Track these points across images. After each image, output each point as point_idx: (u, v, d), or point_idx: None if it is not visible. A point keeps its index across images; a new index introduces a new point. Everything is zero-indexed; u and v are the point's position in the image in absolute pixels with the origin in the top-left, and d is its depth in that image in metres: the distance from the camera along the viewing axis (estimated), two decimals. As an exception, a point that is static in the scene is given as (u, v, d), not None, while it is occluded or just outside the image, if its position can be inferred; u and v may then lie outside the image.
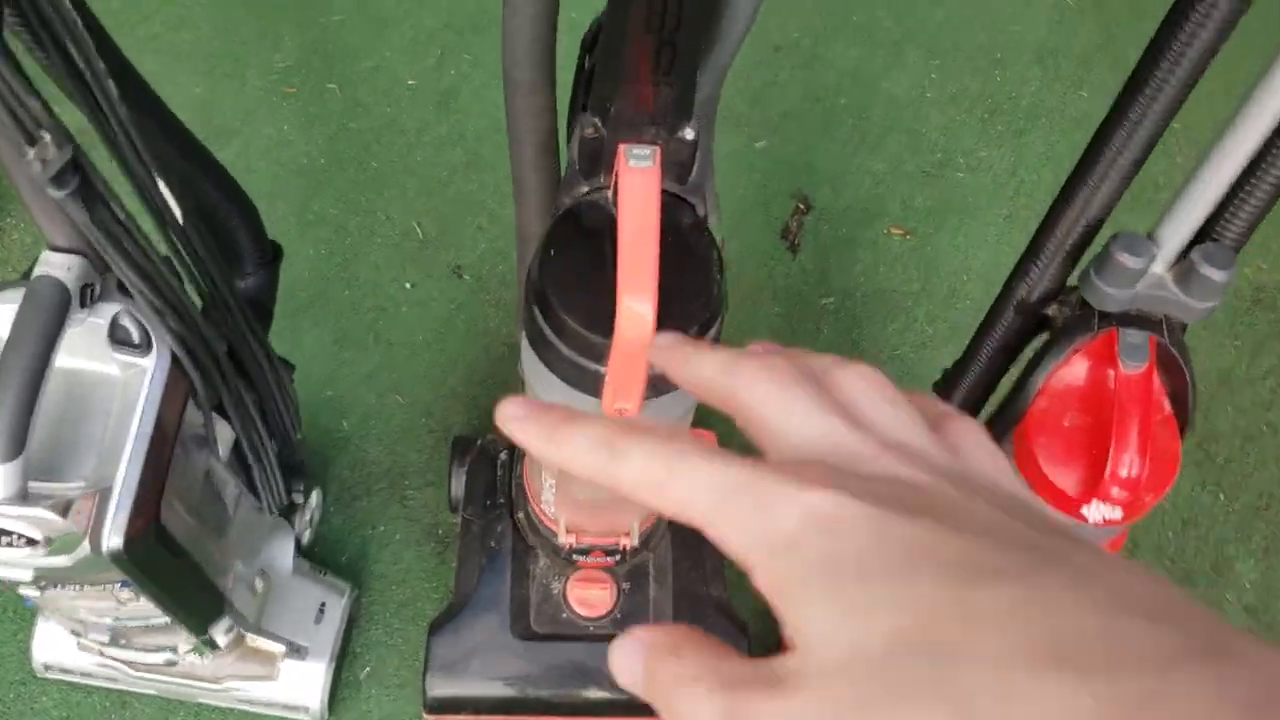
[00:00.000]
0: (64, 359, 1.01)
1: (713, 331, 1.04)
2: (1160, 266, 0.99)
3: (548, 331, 1.02)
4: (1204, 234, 0.97)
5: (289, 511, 1.49)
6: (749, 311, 1.88)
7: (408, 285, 1.85)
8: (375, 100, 2.05)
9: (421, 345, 1.80)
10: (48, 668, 1.45)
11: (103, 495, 0.96)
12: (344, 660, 1.51)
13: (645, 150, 0.97)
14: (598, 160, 1.03)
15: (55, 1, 0.77)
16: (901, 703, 0.23)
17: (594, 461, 0.33)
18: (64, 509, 0.93)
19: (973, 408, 1.24)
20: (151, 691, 1.47)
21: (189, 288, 1.05)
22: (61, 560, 0.97)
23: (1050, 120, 2.15)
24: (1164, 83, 0.88)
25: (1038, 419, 1.05)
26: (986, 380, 1.20)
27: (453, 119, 2.04)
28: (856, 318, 1.90)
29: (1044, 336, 1.10)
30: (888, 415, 0.33)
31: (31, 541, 0.93)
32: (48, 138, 0.77)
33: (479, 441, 1.59)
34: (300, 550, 1.54)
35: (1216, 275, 0.96)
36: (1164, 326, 1.02)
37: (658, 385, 1.04)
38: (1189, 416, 1.06)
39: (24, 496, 0.92)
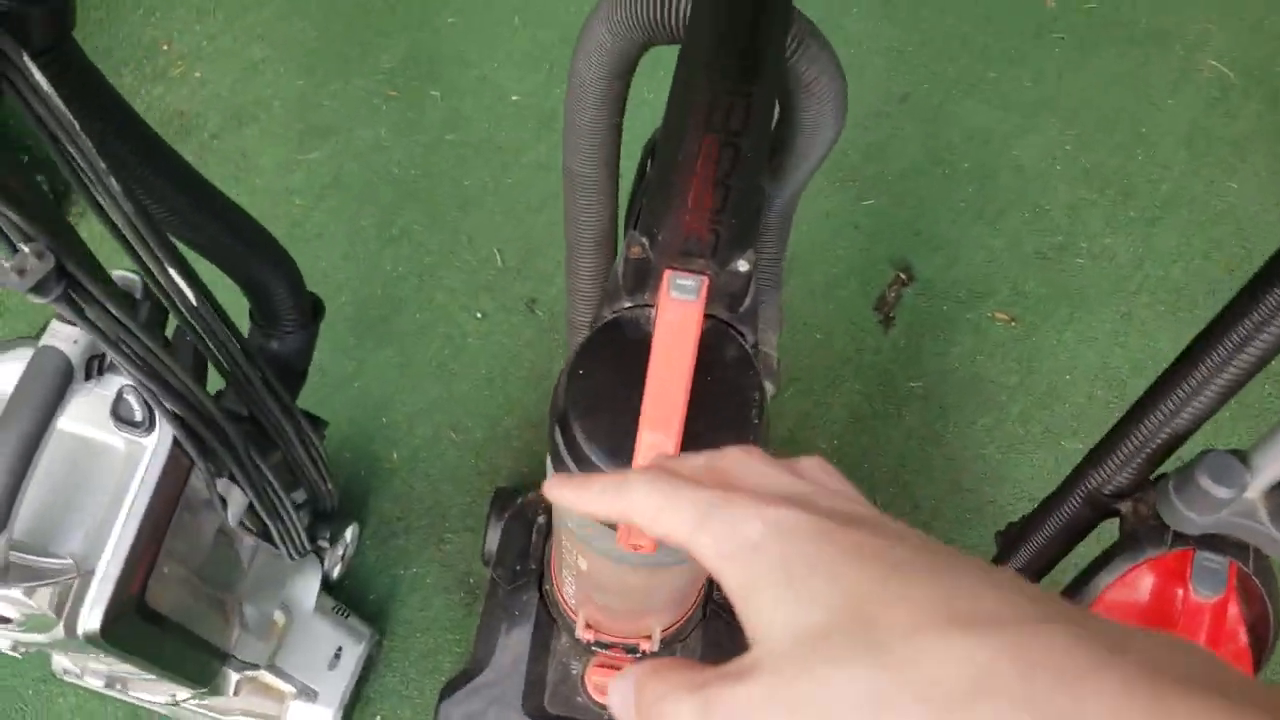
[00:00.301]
0: (69, 424, 0.98)
1: None
2: (1253, 492, 0.87)
3: (565, 455, 0.95)
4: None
5: (319, 550, 1.47)
6: (828, 386, 1.77)
7: (479, 315, 1.80)
8: (477, 113, 1.99)
9: (483, 381, 1.75)
10: (66, 672, 1.46)
11: (83, 580, 0.93)
12: (355, 705, 1.49)
13: (690, 281, 0.88)
14: (643, 280, 0.95)
15: (53, 108, 0.72)
16: (835, 669, 0.29)
17: (607, 500, 0.40)
18: (38, 594, 0.90)
19: (1035, 576, 1.13)
20: (161, 711, 1.46)
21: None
22: (37, 637, 0.95)
23: (1190, 211, 1.97)
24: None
25: (1090, 629, 0.94)
26: (1047, 556, 1.09)
27: (553, 141, 1.97)
28: (944, 407, 1.78)
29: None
30: (759, 472, 0.40)
31: (4, 619, 0.91)
32: (26, 249, 0.73)
33: (520, 500, 1.53)
34: (328, 585, 1.51)
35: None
36: (1250, 552, 0.90)
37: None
38: (1267, 650, 0.94)
39: (4, 574, 0.89)
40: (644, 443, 0.87)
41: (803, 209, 1.88)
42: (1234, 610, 0.91)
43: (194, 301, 0.93)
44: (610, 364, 0.94)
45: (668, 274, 0.89)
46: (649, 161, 1.03)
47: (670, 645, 1.41)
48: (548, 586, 1.43)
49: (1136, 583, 0.93)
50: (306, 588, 1.47)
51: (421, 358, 1.76)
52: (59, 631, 0.93)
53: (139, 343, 0.87)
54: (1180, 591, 0.91)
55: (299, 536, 1.30)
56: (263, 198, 1.85)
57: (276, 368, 1.18)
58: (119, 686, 1.24)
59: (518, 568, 1.46)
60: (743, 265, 0.93)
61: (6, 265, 0.73)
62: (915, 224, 1.94)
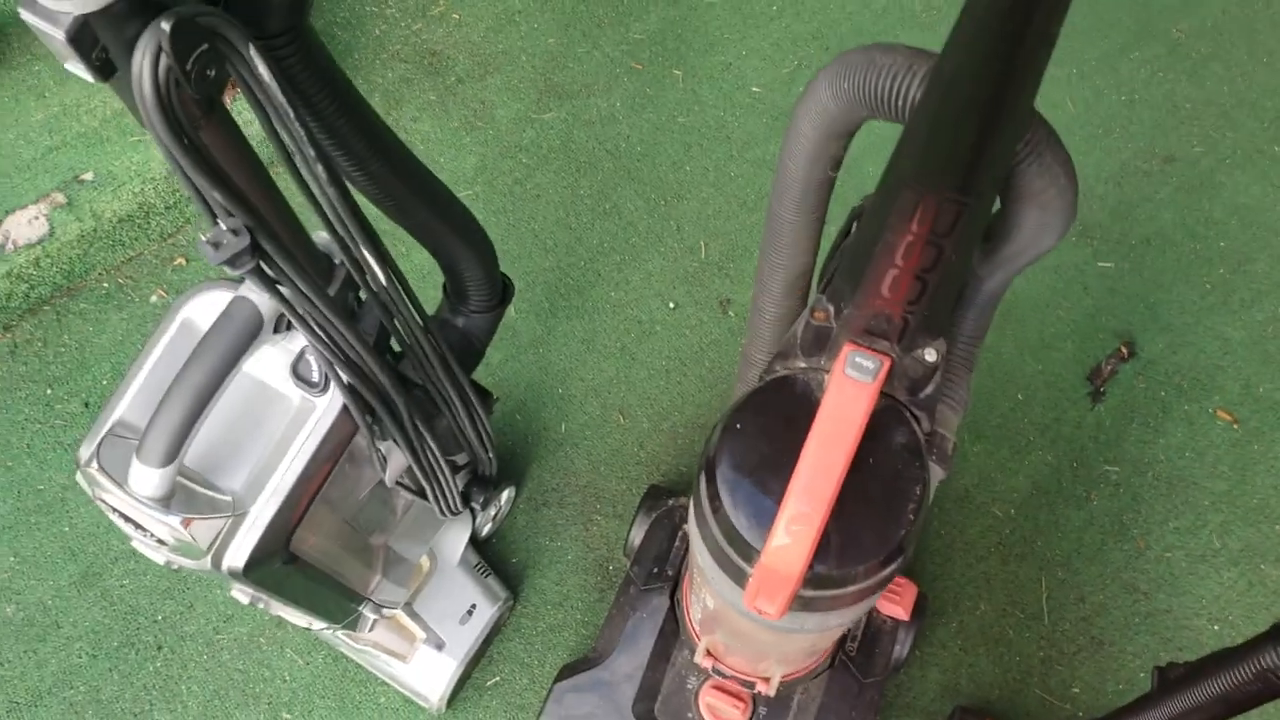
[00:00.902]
0: (253, 368, 1.03)
1: (890, 569, 0.92)
2: None
3: (707, 508, 0.93)
4: None
5: (478, 498, 1.50)
6: (1017, 451, 1.68)
7: (671, 305, 1.79)
8: (714, 99, 1.96)
9: (662, 371, 1.74)
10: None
11: (236, 520, 0.98)
12: (478, 663, 1.53)
13: (870, 362, 0.85)
14: (821, 345, 0.92)
15: (271, 95, 0.74)
16: None
17: None
18: (195, 526, 0.95)
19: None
20: (304, 626, 1.54)
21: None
22: (186, 561, 1.00)
23: None
24: None
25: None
26: (1205, 715, 1.00)
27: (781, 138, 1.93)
28: (1137, 499, 1.66)
29: None
30: None
31: (161, 541, 0.97)
32: (224, 226, 0.76)
33: (670, 502, 1.53)
34: (476, 541, 1.55)
35: None
36: None
37: (810, 604, 0.94)
38: None
39: (168, 501, 0.95)
40: (787, 513, 0.84)
41: (1028, 264, 1.77)
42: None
43: (383, 280, 0.96)
44: (770, 424, 0.92)
45: (848, 349, 0.85)
46: (852, 225, 0.98)
47: (790, 688, 1.39)
48: (679, 596, 1.43)
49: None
50: (456, 540, 1.51)
51: (607, 336, 1.76)
52: (206, 562, 0.98)
53: (323, 317, 0.90)
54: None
55: (453, 497, 1.33)
56: (492, 148, 1.89)
57: (458, 342, 1.20)
58: (261, 605, 1.30)
59: (654, 570, 1.46)
60: (930, 355, 0.88)
61: (204, 238, 0.76)
62: (1150, 297, 1.80)
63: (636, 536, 1.50)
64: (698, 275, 1.81)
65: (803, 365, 0.94)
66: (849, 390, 0.85)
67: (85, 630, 1.55)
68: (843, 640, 1.43)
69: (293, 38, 0.78)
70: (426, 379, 1.11)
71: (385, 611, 1.39)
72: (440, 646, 1.49)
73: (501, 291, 1.21)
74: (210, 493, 1.00)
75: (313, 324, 0.90)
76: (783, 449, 0.89)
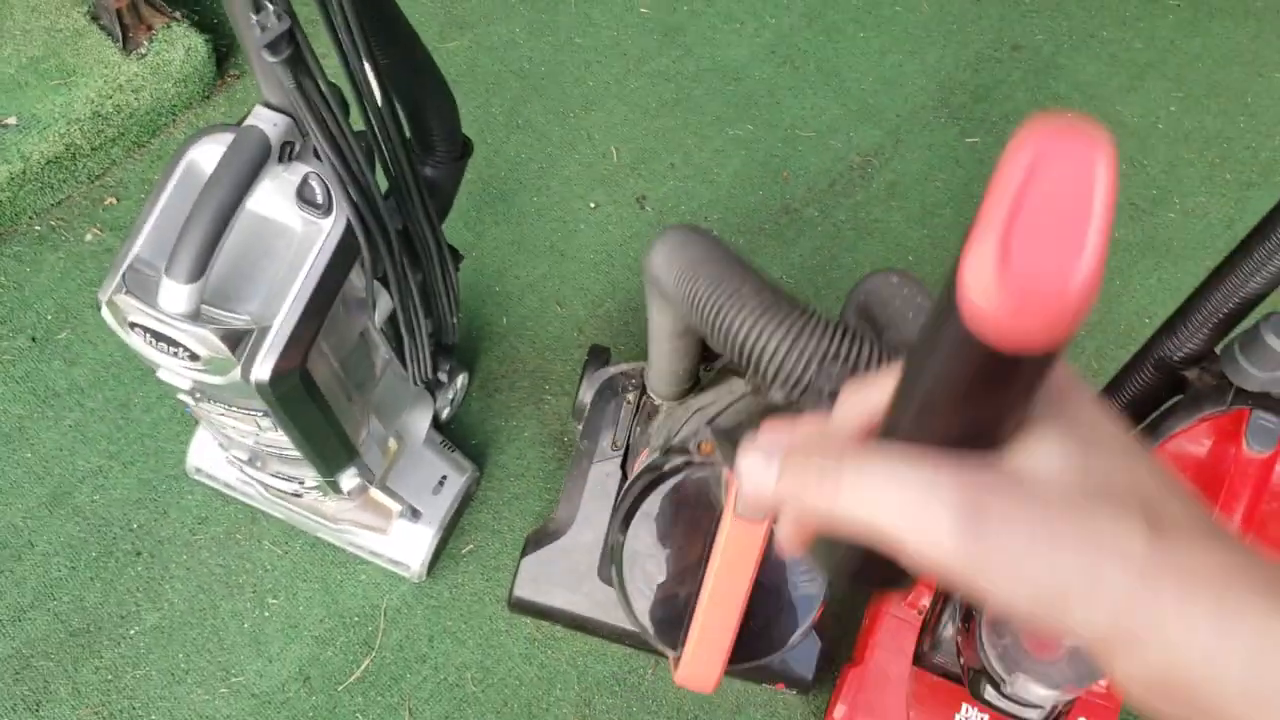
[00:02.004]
0: (255, 203, 1.12)
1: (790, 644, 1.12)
2: (1313, 356, 0.96)
3: (620, 595, 1.10)
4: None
5: (434, 387, 1.60)
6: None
7: (591, 205, 1.92)
8: (606, 21, 2.11)
9: (590, 264, 1.87)
10: (198, 470, 1.62)
11: (260, 332, 1.07)
12: (451, 533, 1.62)
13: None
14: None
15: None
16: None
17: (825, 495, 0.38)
18: (224, 336, 1.04)
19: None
20: (279, 515, 1.61)
21: (377, 167, 1.15)
22: (215, 379, 1.08)
23: (1287, 180, 2.03)
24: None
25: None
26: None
27: (674, 54, 2.09)
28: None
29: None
30: None
31: (194, 356, 1.05)
32: (271, 8, 0.86)
33: (612, 371, 1.63)
34: (437, 425, 1.65)
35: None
36: (1302, 419, 0.99)
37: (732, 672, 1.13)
38: (1309, 514, 1.02)
39: (197, 316, 1.03)
40: (686, 666, 1.04)
41: (907, 139, 1.98)
42: (1278, 469, 1.00)
43: (379, 101, 1.06)
44: (668, 528, 1.11)
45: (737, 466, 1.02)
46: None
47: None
48: (631, 466, 1.55)
49: (1195, 438, 1.03)
50: (420, 420, 1.60)
51: (535, 237, 1.88)
52: (236, 374, 1.07)
53: (336, 126, 1.00)
54: (1233, 449, 1.00)
55: (425, 360, 1.43)
56: (403, 78, 1.98)
57: (428, 192, 1.31)
58: (258, 464, 1.38)
59: (604, 444, 1.57)
60: None
61: (253, 19, 0.86)
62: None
63: (586, 396, 1.62)
64: (613, 177, 1.95)
65: (699, 459, 1.11)
66: (743, 532, 1.02)
67: (61, 545, 1.58)
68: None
69: None
70: (409, 219, 1.22)
71: (365, 479, 1.48)
72: (416, 516, 1.58)
73: (463, 145, 1.33)
74: (230, 314, 1.08)
75: (328, 131, 1.00)
76: (690, 548, 1.06)
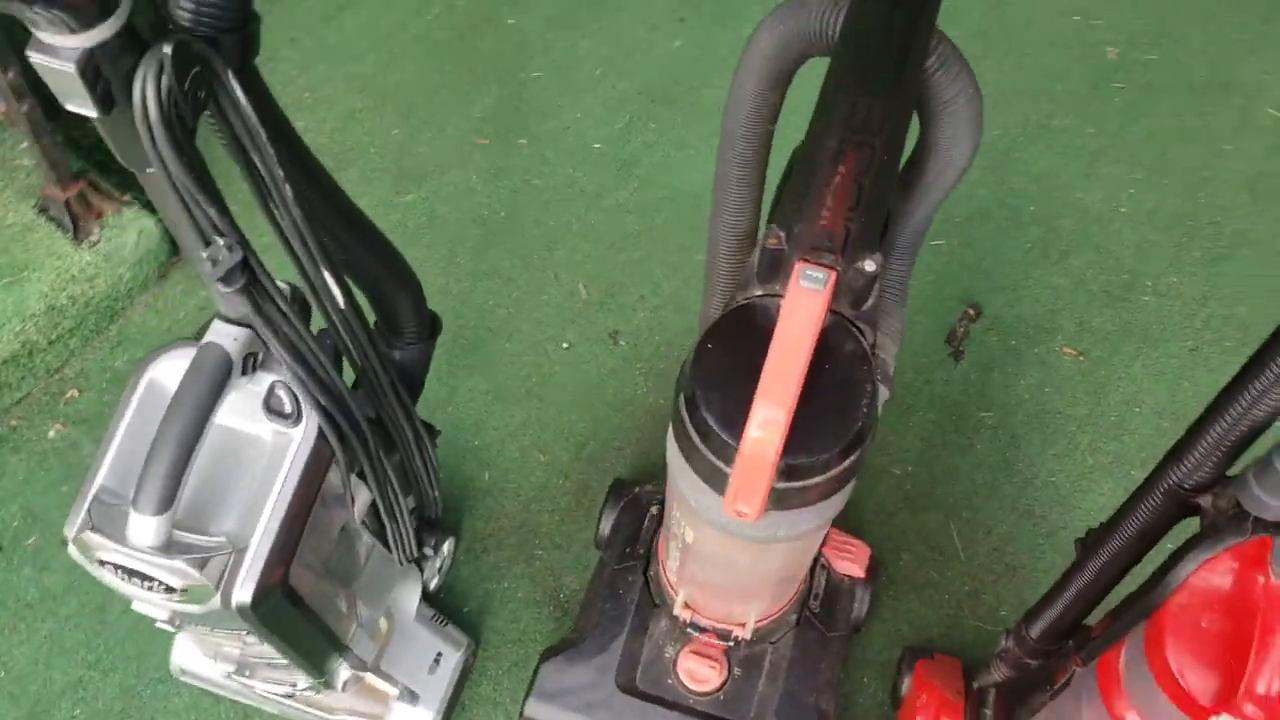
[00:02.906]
0: (222, 416, 1.07)
1: (851, 459, 1.03)
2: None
3: (686, 419, 1.03)
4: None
5: (420, 561, 1.55)
6: (901, 414, 1.84)
7: (564, 345, 1.89)
8: (560, 159, 2.10)
9: (569, 405, 1.84)
10: (184, 672, 1.54)
11: (238, 555, 1.02)
12: (453, 711, 1.55)
13: (819, 274, 0.97)
14: (775, 270, 1.03)
15: (245, 118, 0.82)
16: None
17: None
18: (201, 565, 0.99)
19: (1116, 574, 1.18)
20: (273, 710, 1.54)
21: (344, 359, 1.11)
22: (194, 608, 1.03)
23: (1254, 251, 2.03)
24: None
25: (1175, 614, 0.99)
26: (1127, 556, 1.14)
27: (631, 186, 2.08)
28: (1015, 437, 1.83)
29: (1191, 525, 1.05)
30: None
31: (169, 589, 1.00)
32: (221, 241, 0.83)
33: (636, 490, 1.63)
34: (427, 596, 1.59)
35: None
36: (1325, 540, 0.95)
37: (785, 500, 1.04)
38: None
39: (168, 548, 0.98)
40: (757, 414, 0.95)
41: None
42: (1310, 600, 0.96)
43: (341, 303, 1.03)
44: (736, 343, 1.03)
45: (799, 265, 0.97)
46: (793, 166, 1.11)
47: (763, 642, 1.48)
48: (653, 572, 1.51)
49: (1218, 570, 0.99)
50: (409, 596, 1.54)
51: (511, 384, 1.85)
52: (215, 602, 1.01)
53: (299, 337, 0.97)
54: (1261, 578, 0.96)
55: (409, 539, 1.38)
56: (362, 236, 1.97)
57: (398, 375, 1.27)
58: (246, 673, 1.32)
59: (626, 550, 1.55)
60: (869, 265, 1.01)
61: (203, 255, 0.83)
62: (982, 264, 2.01)
63: (606, 526, 1.60)
64: (583, 314, 1.92)
65: (760, 293, 1.06)
66: (803, 298, 0.97)
67: (43, 770, 1.51)
68: (806, 599, 1.53)
69: (247, 74, 0.87)
70: (381, 408, 1.18)
71: (358, 671, 1.42)
72: (414, 699, 1.51)
73: (431, 323, 1.29)
74: (204, 538, 1.03)
75: (291, 346, 0.97)
76: (750, 362, 1.00)
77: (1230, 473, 1.02)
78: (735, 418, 0.98)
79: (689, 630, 1.44)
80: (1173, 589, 1.01)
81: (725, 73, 2.15)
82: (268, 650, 1.19)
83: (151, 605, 1.04)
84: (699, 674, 1.50)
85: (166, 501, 0.96)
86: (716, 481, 1.04)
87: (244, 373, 1.04)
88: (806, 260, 0.98)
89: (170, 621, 1.08)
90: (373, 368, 1.12)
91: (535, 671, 1.51)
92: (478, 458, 1.78)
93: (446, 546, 1.62)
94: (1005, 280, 2.00)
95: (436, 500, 1.44)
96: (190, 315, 1.88)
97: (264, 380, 1.06)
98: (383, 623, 1.51)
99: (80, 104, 0.74)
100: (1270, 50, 2.30)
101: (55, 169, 1.75)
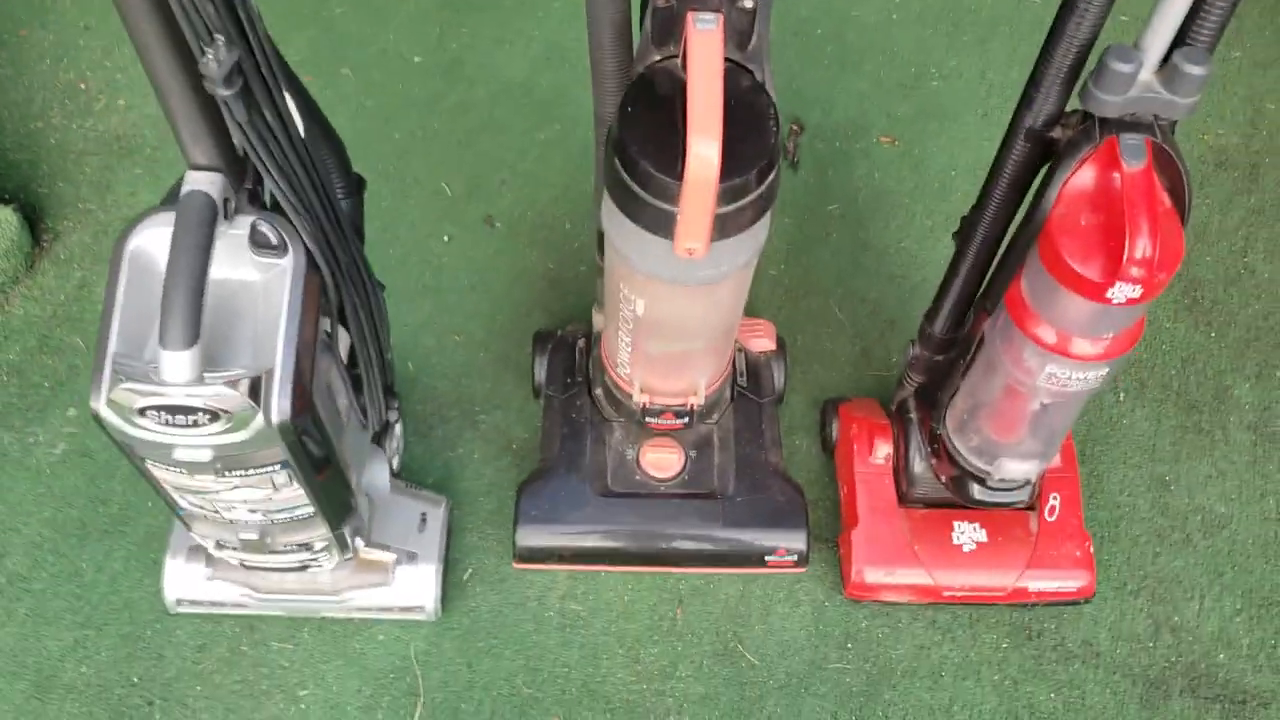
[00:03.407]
0: (211, 269, 1.14)
1: (770, 178, 1.20)
2: (1147, 73, 1.15)
3: (626, 178, 1.17)
4: (1180, 40, 1.14)
5: (380, 439, 1.63)
6: (762, 225, 2.03)
7: (445, 239, 2.00)
8: (388, 79, 2.19)
9: (468, 290, 1.94)
10: (179, 602, 1.58)
11: (267, 375, 1.10)
12: (446, 564, 1.65)
13: (709, 16, 1.13)
14: (668, 31, 1.18)
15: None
16: None
17: None
18: (239, 384, 1.06)
19: (994, 242, 1.40)
20: (278, 612, 1.60)
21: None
22: (239, 435, 1.10)
23: (1010, 27, 2.32)
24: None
25: (1058, 222, 1.21)
26: (1004, 215, 1.36)
27: (461, 88, 2.19)
28: (861, 220, 2.06)
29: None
30: None
31: (215, 417, 1.07)
32: (221, 40, 0.91)
33: (559, 332, 1.76)
34: (393, 475, 1.67)
35: (1196, 70, 1.12)
36: (1156, 129, 1.18)
37: (727, 227, 1.20)
38: (1187, 207, 1.22)
39: (202, 380, 1.05)
40: (694, 146, 1.10)
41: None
42: (1156, 179, 1.19)
43: (302, 131, 1.12)
44: (651, 102, 1.18)
45: (690, 15, 1.12)
46: None
47: (709, 414, 1.64)
48: (598, 390, 1.65)
49: (1081, 177, 1.20)
50: (379, 472, 1.62)
51: (406, 284, 1.93)
52: (259, 421, 1.09)
53: (283, 154, 1.06)
54: (1117, 173, 1.18)
55: (380, 398, 1.47)
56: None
57: (344, 226, 1.36)
58: (268, 539, 1.37)
59: (568, 381, 1.68)
60: (747, 2, 1.17)
61: (206, 55, 0.91)
62: (793, 85, 2.22)
63: (541, 372, 1.73)
64: (453, 208, 2.03)
65: (658, 58, 1.21)
66: (703, 38, 1.12)
67: (67, 728, 1.52)
68: (734, 379, 1.70)
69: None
70: (344, 248, 1.27)
71: (358, 541, 1.50)
72: (413, 559, 1.60)
73: (358, 182, 1.38)
74: (230, 372, 1.10)
75: (280, 159, 1.05)
76: (668, 115, 1.15)
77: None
78: (671, 159, 1.13)
79: (647, 419, 1.59)
80: (1050, 206, 1.22)
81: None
82: (294, 496, 1.26)
83: (196, 445, 1.11)
84: (662, 462, 1.65)
85: (194, 334, 1.03)
86: (663, 226, 1.19)
87: (225, 217, 1.11)
88: (694, 9, 1.13)
89: (213, 464, 1.14)
90: (334, 205, 1.21)
91: (516, 503, 1.63)
92: (397, 354, 1.85)
93: (398, 428, 1.70)
94: (816, 95, 2.22)
95: (391, 363, 1.53)
96: (71, 296, 1.88)
97: (243, 222, 1.13)
98: (364, 501, 1.59)
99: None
100: None
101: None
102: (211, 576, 1.57)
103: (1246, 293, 2.01)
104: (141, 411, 1.07)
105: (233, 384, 1.07)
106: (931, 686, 1.61)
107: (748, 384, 1.72)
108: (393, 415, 1.60)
